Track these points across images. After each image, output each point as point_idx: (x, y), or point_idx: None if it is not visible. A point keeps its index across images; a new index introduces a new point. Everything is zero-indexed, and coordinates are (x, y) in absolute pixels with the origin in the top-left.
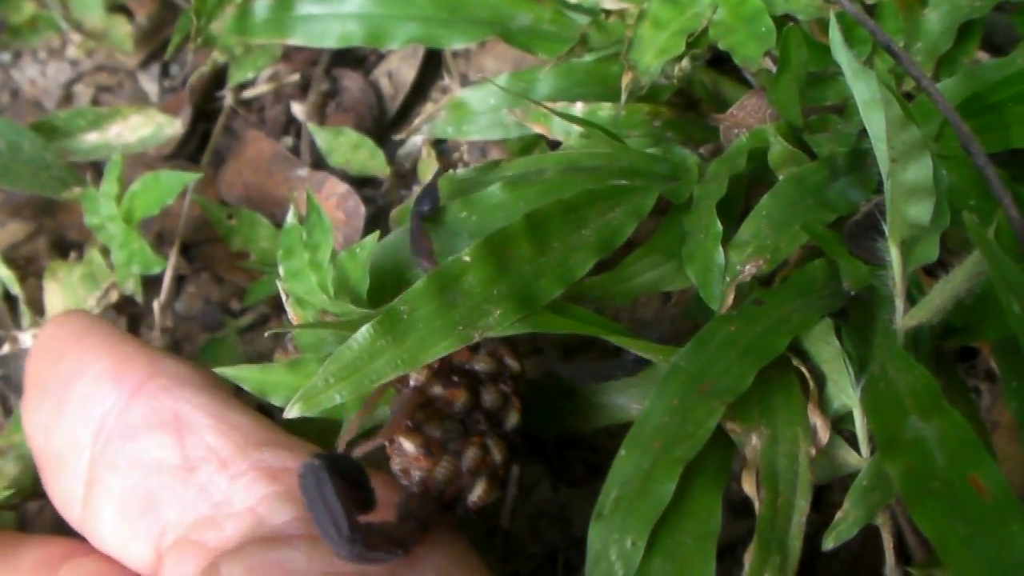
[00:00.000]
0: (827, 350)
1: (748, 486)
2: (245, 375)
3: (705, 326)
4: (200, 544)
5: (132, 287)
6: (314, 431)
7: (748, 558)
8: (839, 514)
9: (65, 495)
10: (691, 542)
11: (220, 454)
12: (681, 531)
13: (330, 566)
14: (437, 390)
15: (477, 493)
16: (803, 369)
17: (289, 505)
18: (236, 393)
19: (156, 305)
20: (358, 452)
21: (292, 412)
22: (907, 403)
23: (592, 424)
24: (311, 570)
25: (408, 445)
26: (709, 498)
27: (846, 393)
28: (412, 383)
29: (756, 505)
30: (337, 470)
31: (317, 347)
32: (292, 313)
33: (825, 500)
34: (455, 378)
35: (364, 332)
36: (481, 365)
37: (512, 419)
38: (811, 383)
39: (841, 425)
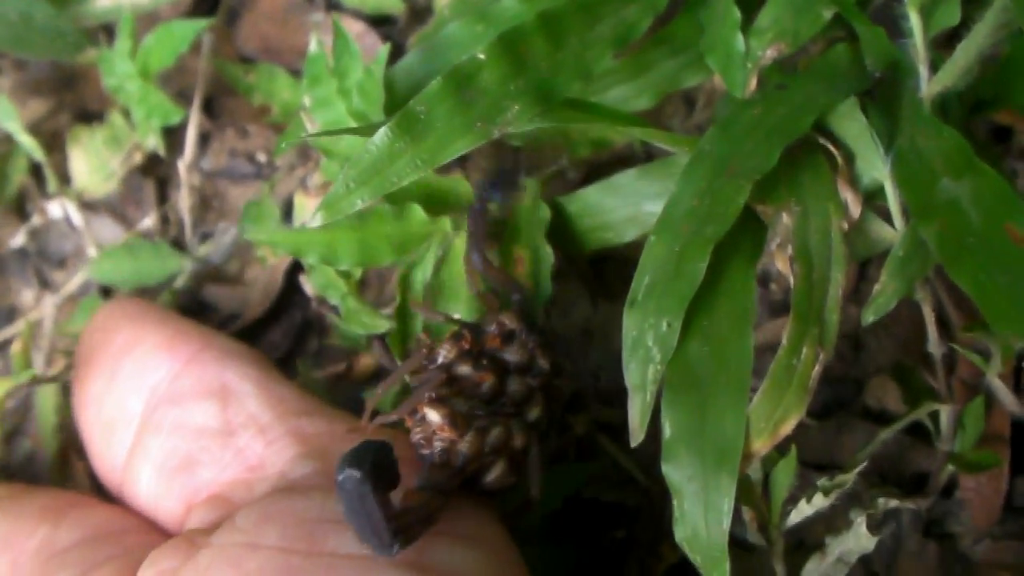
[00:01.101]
0: (854, 126)
1: (781, 263)
2: (278, 239)
3: (729, 112)
4: (229, 500)
5: (154, 143)
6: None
7: (786, 332)
8: (877, 287)
9: (109, 462)
10: (726, 322)
11: (260, 421)
12: (716, 311)
13: (342, 515)
14: (465, 370)
15: (495, 474)
16: (830, 147)
17: (311, 462)
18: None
19: (181, 164)
20: (378, 420)
21: (316, 221)
22: (938, 167)
23: (625, 237)
24: (323, 517)
25: (433, 415)
26: (742, 277)
27: (875, 167)
28: (440, 360)
29: (791, 280)
30: (373, 472)
31: None
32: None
33: (865, 277)
34: (484, 362)
35: (382, 134)
36: (512, 355)
37: (534, 413)
38: (839, 160)
39: (873, 201)
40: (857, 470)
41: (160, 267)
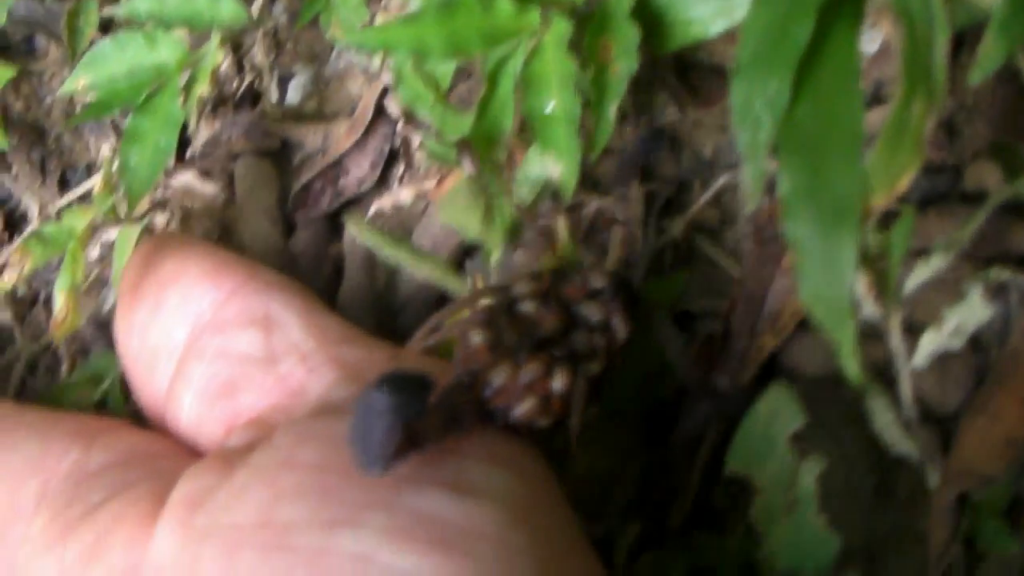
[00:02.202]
0: None
1: (885, 24)
2: (367, 37)
3: None
4: (268, 423)
5: None
6: None
7: (895, 92)
8: (979, 50)
9: (152, 390)
10: (835, 80)
11: (302, 348)
12: (823, 72)
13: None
14: (528, 306)
15: (524, 409)
16: None
17: (350, 385)
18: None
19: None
20: (425, 340)
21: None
22: None
23: (712, 30)
24: None
25: (476, 337)
26: (847, 38)
27: None
28: (511, 293)
29: (895, 42)
30: (397, 402)
31: None
32: None
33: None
34: (553, 307)
35: None
36: (588, 311)
37: (590, 369)
38: None
39: None
40: (972, 226)
41: None
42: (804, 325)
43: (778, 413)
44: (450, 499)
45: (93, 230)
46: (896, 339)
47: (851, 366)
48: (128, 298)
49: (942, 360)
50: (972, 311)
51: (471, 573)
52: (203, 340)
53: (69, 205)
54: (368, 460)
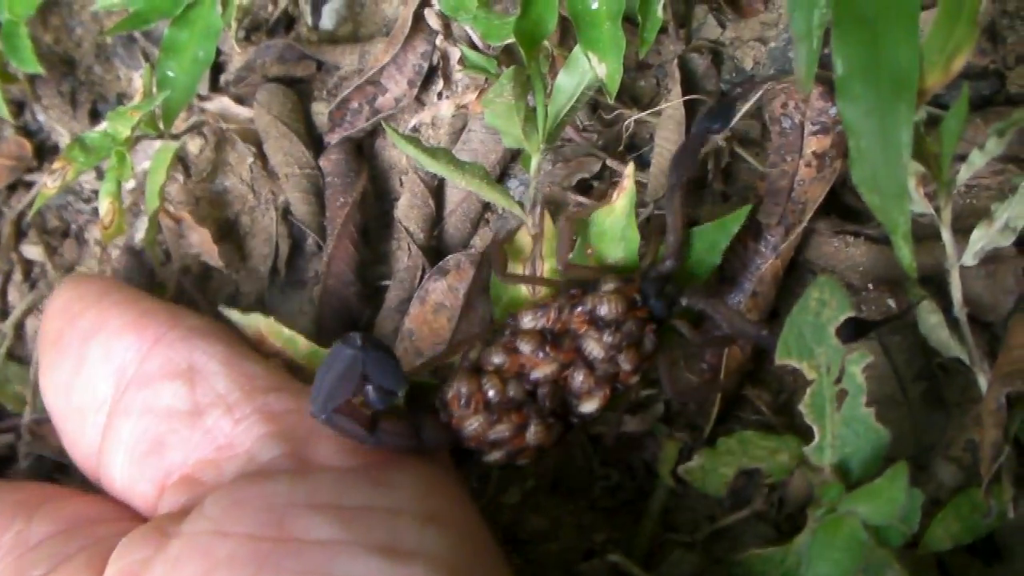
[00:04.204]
0: None
1: None
2: None
3: None
4: (199, 481)
5: None
6: None
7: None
8: None
9: (84, 448)
10: None
11: (228, 399)
12: None
13: (311, 497)
14: (526, 348)
15: (494, 456)
16: None
17: (280, 443)
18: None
19: None
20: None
21: None
22: None
23: None
24: (291, 502)
25: (461, 387)
26: None
27: None
28: (516, 326)
29: None
30: (372, 355)
31: None
32: None
33: None
34: (550, 349)
35: None
36: (593, 347)
37: (586, 407)
38: None
39: None
40: (1016, 123)
41: None
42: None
43: (826, 302)
44: (383, 564)
45: (135, 139)
46: (947, 233)
47: (904, 251)
48: (51, 355)
49: (990, 265)
50: (1021, 207)
51: None
52: (128, 396)
53: None
54: (316, 404)
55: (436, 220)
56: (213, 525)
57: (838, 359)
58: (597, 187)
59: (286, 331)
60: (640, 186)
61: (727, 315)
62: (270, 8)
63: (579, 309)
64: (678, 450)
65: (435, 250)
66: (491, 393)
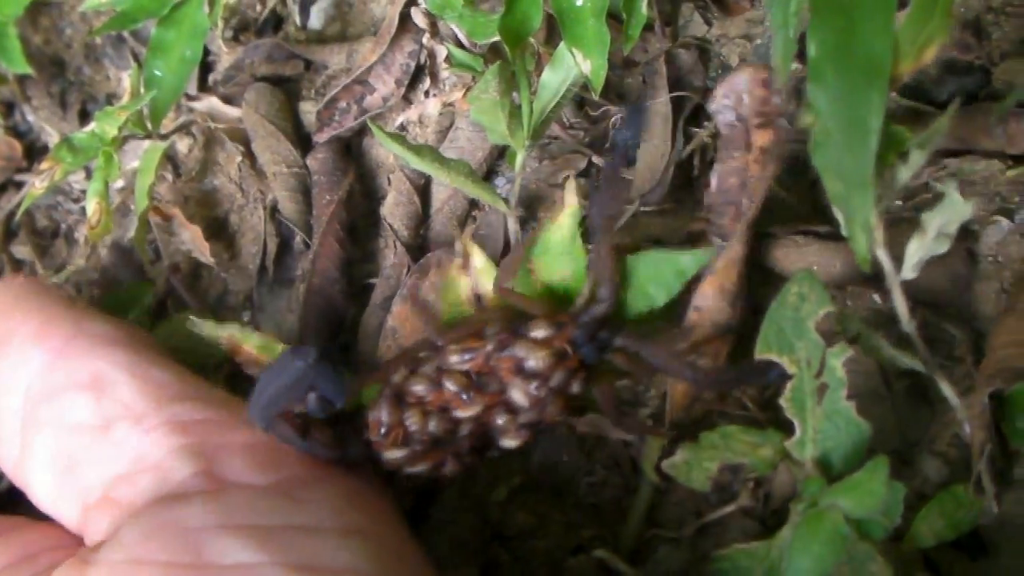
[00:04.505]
0: None
1: None
2: None
3: None
4: (116, 502)
5: None
6: None
7: None
8: None
9: (11, 467)
10: None
11: (135, 410)
12: None
13: (227, 519)
14: (451, 385)
15: (411, 478)
16: None
17: (193, 459)
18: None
19: None
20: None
21: None
22: None
23: None
24: (206, 525)
25: (382, 415)
26: None
27: None
28: (444, 362)
29: None
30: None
31: None
32: None
33: None
34: (475, 393)
35: None
36: (516, 393)
37: (507, 443)
38: None
39: None
40: (948, 113)
41: None
42: None
43: (806, 297)
44: None
45: (123, 139)
46: (883, 252)
47: (860, 242)
48: None
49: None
50: (953, 209)
51: None
52: (39, 410)
53: None
54: (255, 409)
55: (422, 218)
56: (129, 554)
57: (819, 353)
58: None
59: (258, 337)
60: (625, 183)
61: (664, 359)
62: (258, 8)
63: (507, 354)
64: (661, 447)
65: (421, 248)
66: (413, 428)
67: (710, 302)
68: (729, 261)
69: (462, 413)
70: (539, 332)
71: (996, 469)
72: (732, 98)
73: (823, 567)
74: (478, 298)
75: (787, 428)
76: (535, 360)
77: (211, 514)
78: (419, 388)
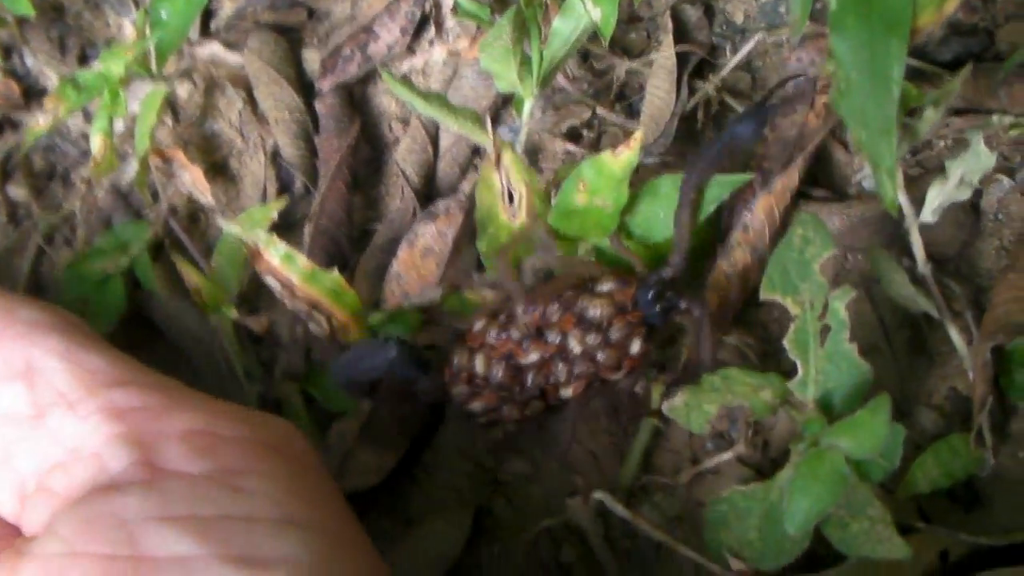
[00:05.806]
0: None
1: None
2: None
3: None
4: (53, 491)
5: None
6: None
7: None
8: None
9: None
10: None
11: (69, 397)
12: None
13: (164, 510)
14: (515, 334)
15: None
16: None
17: (130, 448)
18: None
19: None
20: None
21: None
22: None
23: None
24: (142, 516)
25: (455, 358)
26: None
27: None
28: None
29: None
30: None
31: None
32: None
33: None
34: (535, 343)
35: None
36: (574, 342)
37: (566, 393)
38: None
39: None
40: (962, 75)
41: None
42: None
43: (810, 239)
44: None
45: (128, 78)
46: (903, 195)
47: (887, 186)
48: None
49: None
50: (977, 159)
51: None
52: None
53: None
54: (339, 374)
55: (432, 167)
56: (65, 546)
57: (822, 295)
58: (587, 136)
59: (284, 247)
60: (627, 134)
61: (702, 337)
62: None
63: (573, 309)
64: (660, 393)
65: (425, 195)
66: (478, 371)
67: (759, 224)
68: (783, 186)
69: (523, 360)
70: (604, 286)
71: (994, 423)
72: (805, 60)
73: (822, 506)
74: (510, 195)
75: (787, 375)
76: (594, 310)
77: (148, 505)
78: (488, 336)
